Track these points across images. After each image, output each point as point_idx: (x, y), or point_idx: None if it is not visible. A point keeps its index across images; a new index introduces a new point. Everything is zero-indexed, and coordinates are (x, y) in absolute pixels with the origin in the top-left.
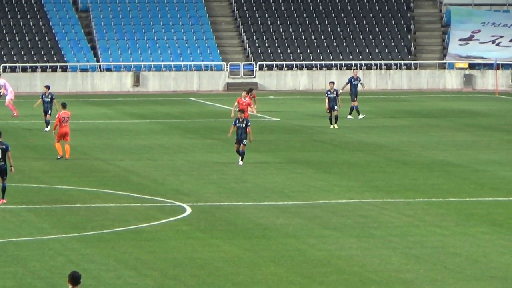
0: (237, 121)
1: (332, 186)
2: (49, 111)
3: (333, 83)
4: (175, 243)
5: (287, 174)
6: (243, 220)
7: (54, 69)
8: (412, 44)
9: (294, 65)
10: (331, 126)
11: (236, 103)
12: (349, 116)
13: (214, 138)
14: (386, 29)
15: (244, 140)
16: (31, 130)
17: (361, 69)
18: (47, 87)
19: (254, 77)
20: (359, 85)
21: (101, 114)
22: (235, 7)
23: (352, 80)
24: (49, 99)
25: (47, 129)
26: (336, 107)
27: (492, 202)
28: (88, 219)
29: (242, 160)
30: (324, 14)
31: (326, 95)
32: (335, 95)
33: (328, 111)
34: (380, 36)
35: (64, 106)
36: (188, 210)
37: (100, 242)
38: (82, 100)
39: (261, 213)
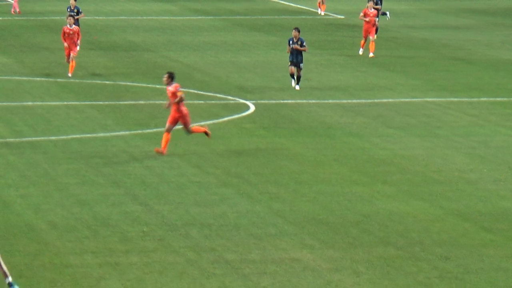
0: (291, 41)
1: (395, 84)
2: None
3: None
4: (238, 141)
5: (351, 72)
6: (307, 118)
7: None
8: None
9: None
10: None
11: None
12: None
13: (278, 35)
14: None
15: (301, 64)
16: (94, 27)
17: None
18: None
19: None
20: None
21: (165, 10)
22: None
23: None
24: (75, 13)
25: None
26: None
27: None
28: (152, 116)
29: (298, 83)
30: None
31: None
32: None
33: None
34: None
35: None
36: (252, 108)
37: None
38: None
39: (324, 111)
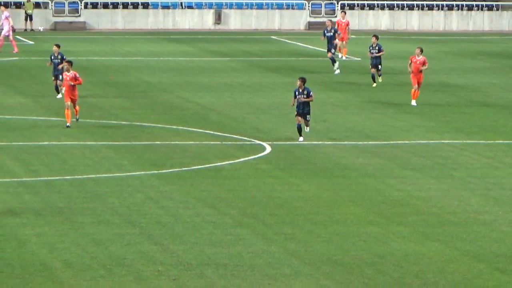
0: (297, 92)
1: (412, 126)
2: (60, 76)
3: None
4: (254, 182)
5: (367, 114)
6: (323, 159)
7: (135, 6)
8: None
9: (376, 4)
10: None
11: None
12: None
13: (294, 77)
14: None
15: (308, 116)
16: (111, 67)
17: (442, 9)
18: (57, 45)
19: (335, 16)
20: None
21: (182, 52)
22: None
23: (326, 31)
24: (59, 61)
25: (59, 96)
26: (380, 66)
27: None
28: (168, 156)
29: (302, 134)
30: None
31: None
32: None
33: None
34: None
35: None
36: (268, 149)
37: (179, 179)
38: (163, 37)
39: (340, 153)
